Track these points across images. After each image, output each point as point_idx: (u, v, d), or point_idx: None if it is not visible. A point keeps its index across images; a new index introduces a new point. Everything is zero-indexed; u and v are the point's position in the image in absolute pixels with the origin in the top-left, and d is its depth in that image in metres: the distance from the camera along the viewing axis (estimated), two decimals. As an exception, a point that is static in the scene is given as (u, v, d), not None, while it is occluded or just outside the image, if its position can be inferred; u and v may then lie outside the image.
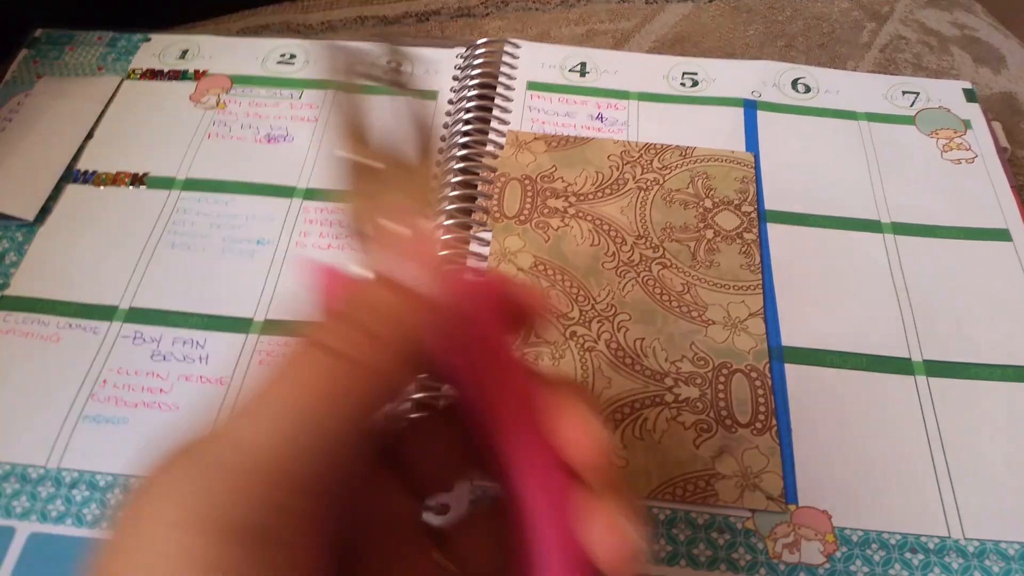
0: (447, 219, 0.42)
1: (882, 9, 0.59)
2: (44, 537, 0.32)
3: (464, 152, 0.44)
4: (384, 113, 0.48)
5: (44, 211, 0.42)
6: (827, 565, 0.33)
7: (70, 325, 0.38)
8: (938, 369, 0.38)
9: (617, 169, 0.45)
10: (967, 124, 0.48)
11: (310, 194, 0.44)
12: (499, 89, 0.48)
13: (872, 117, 0.48)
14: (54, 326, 0.38)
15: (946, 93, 0.49)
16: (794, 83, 0.49)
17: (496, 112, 0.47)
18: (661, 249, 0.42)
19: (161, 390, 0.36)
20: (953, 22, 0.59)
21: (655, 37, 0.56)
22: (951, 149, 0.46)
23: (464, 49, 0.51)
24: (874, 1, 0.60)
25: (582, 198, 0.43)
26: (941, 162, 0.46)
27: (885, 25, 0.58)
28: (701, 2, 0.59)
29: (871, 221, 0.43)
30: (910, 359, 0.39)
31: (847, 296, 0.41)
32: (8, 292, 0.39)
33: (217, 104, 0.47)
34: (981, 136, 0.47)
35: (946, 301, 0.41)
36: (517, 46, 0.51)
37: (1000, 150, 0.47)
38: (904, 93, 0.49)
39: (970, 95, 0.49)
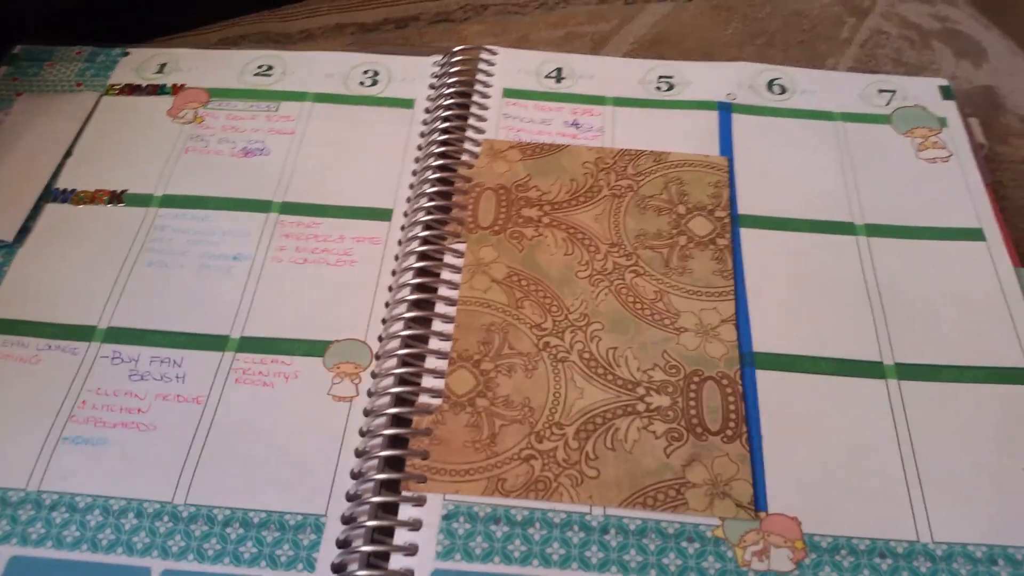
0: (422, 230, 0.42)
1: (863, 3, 0.59)
2: (26, 560, 0.33)
3: (440, 162, 0.45)
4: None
5: (23, 231, 0.43)
6: (796, 572, 0.33)
7: (50, 347, 0.39)
8: (909, 372, 0.38)
9: (592, 176, 0.45)
10: (943, 122, 0.48)
11: (286, 208, 0.44)
12: (475, 97, 0.49)
13: (848, 117, 0.48)
14: (34, 348, 0.39)
15: (922, 91, 0.49)
16: (770, 84, 0.49)
17: (472, 121, 0.47)
18: (634, 257, 0.42)
19: (139, 410, 0.37)
20: (934, 15, 0.59)
21: (634, 38, 0.56)
22: (926, 148, 0.46)
23: (441, 57, 0.51)
24: (855, -5, 0.59)
25: (557, 207, 0.44)
26: (916, 161, 0.46)
27: (866, 20, 0.58)
28: (680, 1, 0.59)
29: (844, 223, 0.43)
30: (881, 363, 0.39)
31: (819, 300, 0.41)
32: (-11, 314, 0.40)
33: (194, 118, 0.48)
34: (956, 134, 0.47)
35: (918, 303, 0.41)
36: (494, 53, 0.51)
37: (976, 147, 0.47)
38: (880, 92, 0.49)
39: (946, 92, 0.49)
